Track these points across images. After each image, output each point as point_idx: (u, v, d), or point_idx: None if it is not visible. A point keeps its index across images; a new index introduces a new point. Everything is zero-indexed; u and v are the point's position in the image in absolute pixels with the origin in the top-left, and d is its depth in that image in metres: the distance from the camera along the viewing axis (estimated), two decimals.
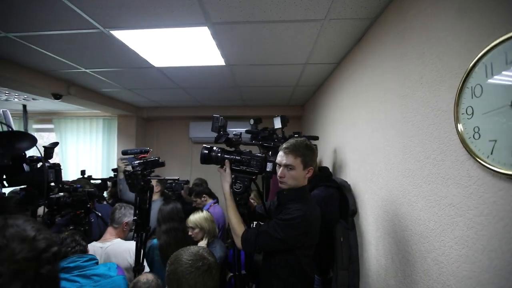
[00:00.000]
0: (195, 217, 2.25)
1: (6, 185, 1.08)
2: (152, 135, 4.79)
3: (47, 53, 2.12)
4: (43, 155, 1.34)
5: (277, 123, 2.58)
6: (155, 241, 2.33)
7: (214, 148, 1.58)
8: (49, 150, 1.48)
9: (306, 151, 1.44)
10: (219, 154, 1.57)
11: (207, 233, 2.25)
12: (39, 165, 1.27)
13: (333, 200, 1.92)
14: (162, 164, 1.94)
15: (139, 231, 1.84)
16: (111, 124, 4.67)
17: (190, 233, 2.27)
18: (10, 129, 1.03)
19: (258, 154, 1.58)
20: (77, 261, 1.34)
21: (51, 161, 1.59)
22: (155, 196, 2.89)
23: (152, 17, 1.59)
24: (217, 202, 3.23)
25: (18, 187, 1.31)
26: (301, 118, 4.35)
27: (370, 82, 1.69)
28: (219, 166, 1.58)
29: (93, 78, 2.78)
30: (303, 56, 2.18)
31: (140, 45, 2.01)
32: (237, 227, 1.44)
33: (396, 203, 1.33)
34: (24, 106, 1.38)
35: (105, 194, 3.26)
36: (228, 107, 4.25)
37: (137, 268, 1.81)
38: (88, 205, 2.09)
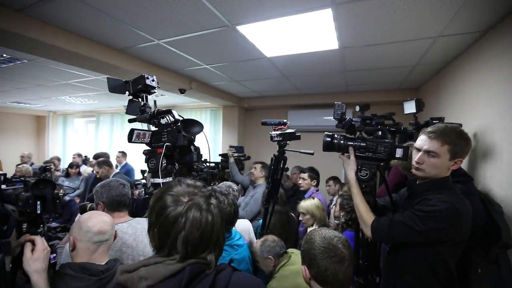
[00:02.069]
0: (307, 204, 2.30)
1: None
2: (252, 124, 5.13)
3: (182, 54, 2.51)
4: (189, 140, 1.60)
5: (409, 108, 2.28)
6: (260, 221, 2.51)
7: (336, 135, 1.55)
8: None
9: (458, 139, 1.23)
10: (342, 141, 1.52)
11: (318, 221, 2.27)
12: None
13: (474, 214, 1.29)
14: (298, 137, 2.01)
15: (269, 199, 2.03)
16: (216, 114, 5.24)
17: (300, 218, 2.34)
18: (181, 117, 1.28)
19: (386, 140, 1.47)
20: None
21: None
22: (260, 181, 3.09)
23: (277, 7, 1.65)
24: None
25: None
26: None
27: None
28: (341, 153, 1.54)
29: (210, 72, 3.15)
30: (437, 28, 1.85)
31: (257, 37, 2.14)
32: (366, 215, 1.38)
33: None
34: (155, 102, 1.62)
35: None
36: (328, 94, 4.11)
37: (262, 232, 2.00)
38: (212, 183, 2.42)
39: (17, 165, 4.56)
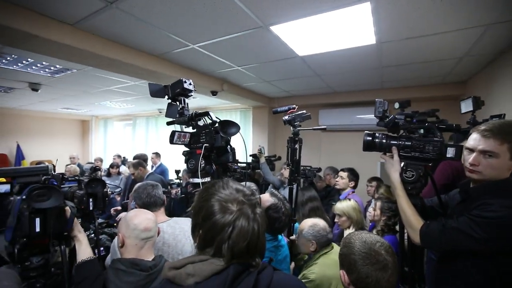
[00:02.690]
0: (343, 205, 2.22)
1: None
2: (282, 124, 5.09)
3: (215, 57, 2.57)
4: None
5: (466, 106, 2.12)
6: (296, 224, 2.47)
7: (377, 134, 1.47)
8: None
9: None
10: (384, 140, 1.44)
11: (355, 223, 2.19)
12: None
13: None
14: (308, 117, 2.17)
15: (291, 182, 2.14)
16: (246, 115, 5.29)
17: (336, 220, 2.27)
18: (218, 119, 1.30)
19: (435, 138, 1.36)
20: None
21: None
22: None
23: (316, 3, 1.61)
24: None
25: None
26: (459, 98, 3.51)
27: None
28: (382, 153, 1.46)
29: (242, 74, 3.18)
30: (492, 13, 1.69)
31: (290, 36, 2.11)
32: (413, 219, 1.29)
33: None
34: (187, 104, 1.67)
35: None
36: (361, 92, 3.95)
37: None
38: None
39: (67, 165, 4.99)
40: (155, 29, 2.00)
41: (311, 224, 1.74)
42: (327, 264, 1.61)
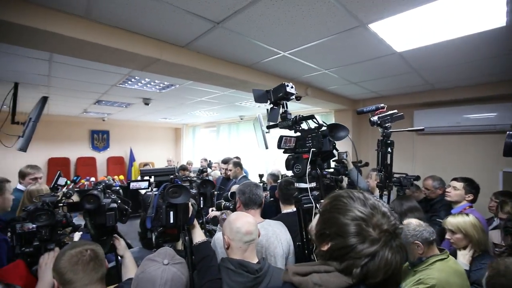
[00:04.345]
0: (458, 220, 1.88)
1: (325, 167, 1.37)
2: (367, 128, 4.74)
3: (303, 62, 2.58)
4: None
5: None
6: None
7: None
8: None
9: None
10: None
11: (475, 244, 1.82)
12: None
13: None
14: (400, 117, 2.03)
15: (383, 189, 2.05)
16: (327, 119, 5.10)
17: (448, 236, 1.94)
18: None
19: None
20: None
21: None
22: (376, 192, 2.80)
23: None
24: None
25: None
26: None
27: None
28: None
29: (328, 77, 3.10)
30: None
31: (389, 32, 1.94)
32: None
33: None
34: (267, 110, 1.66)
35: None
36: (474, 87, 3.33)
37: None
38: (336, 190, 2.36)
39: (165, 166, 5.83)
40: (252, 42, 2.14)
41: (407, 227, 1.62)
42: (447, 271, 1.47)
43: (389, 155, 2.08)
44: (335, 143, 1.30)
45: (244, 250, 1.27)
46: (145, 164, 7.42)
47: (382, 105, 2.03)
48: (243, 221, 1.32)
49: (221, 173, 4.41)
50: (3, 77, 3.04)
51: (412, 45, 2.17)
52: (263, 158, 6.62)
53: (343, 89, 3.75)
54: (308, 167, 1.29)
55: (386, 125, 2.03)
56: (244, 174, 3.83)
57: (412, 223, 1.64)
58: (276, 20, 1.78)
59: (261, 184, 3.73)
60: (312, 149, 1.27)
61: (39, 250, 1.41)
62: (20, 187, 2.69)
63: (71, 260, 1.06)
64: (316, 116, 1.36)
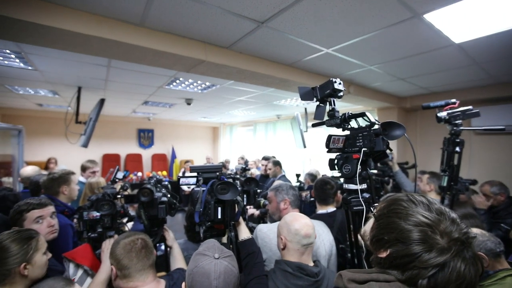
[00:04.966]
0: None
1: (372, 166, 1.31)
2: (415, 127, 4.41)
3: (347, 58, 2.48)
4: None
5: None
6: None
7: None
8: None
9: None
10: None
11: None
12: None
13: None
14: (476, 114, 1.81)
15: (448, 189, 1.88)
16: None
17: None
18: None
19: None
20: None
21: None
22: (432, 195, 2.58)
23: None
24: None
25: None
26: None
27: None
28: None
29: (372, 73, 2.94)
30: None
31: (447, 22, 1.78)
32: None
33: None
34: (305, 109, 1.62)
35: None
36: None
37: None
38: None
39: (205, 164, 6.04)
40: (295, 40, 2.12)
41: None
42: None
43: (456, 156, 1.90)
44: (388, 143, 1.23)
45: (301, 253, 1.24)
46: (186, 161, 7.78)
47: (453, 100, 1.87)
48: (302, 222, 1.29)
49: (259, 170, 4.44)
50: (70, 82, 3.43)
51: (473, 36, 1.97)
52: (299, 157, 6.53)
53: (388, 85, 3.53)
54: (358, 168, 1.23)
55: (456, 122, 1.86)
56: (283, 174, 3.81)
57: (472, 231, 1.48)
58: (321, 16, 1.74)
59: (298, 184, 3.70)
60: (364, 149, 1.21)
61: (102, 236, 1.57)
62: (81, 179, 3.01)
63: (126, 248, 1.17)
64: (367, 114, 1.29)
